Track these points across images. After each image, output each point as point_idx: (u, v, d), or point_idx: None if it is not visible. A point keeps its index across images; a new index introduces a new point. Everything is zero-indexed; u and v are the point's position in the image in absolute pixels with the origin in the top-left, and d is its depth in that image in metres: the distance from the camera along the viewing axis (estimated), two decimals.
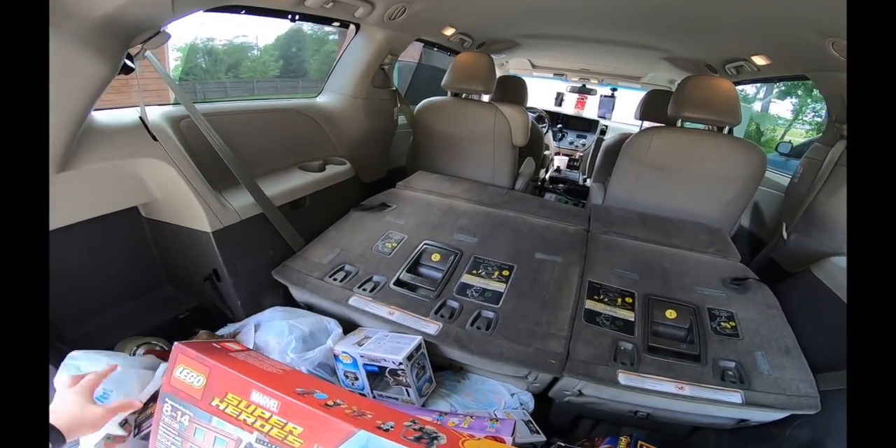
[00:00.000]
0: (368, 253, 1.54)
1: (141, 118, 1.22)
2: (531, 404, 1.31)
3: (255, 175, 1.56)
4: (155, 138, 1.25)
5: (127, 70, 1.07)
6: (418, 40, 2.57)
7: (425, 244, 1.58)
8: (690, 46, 2.44)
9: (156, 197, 1.36)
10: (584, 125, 4.70)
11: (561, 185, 3.97)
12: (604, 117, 4.71)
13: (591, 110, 4.92)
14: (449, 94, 2.45)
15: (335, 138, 2.15)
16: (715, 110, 1.91)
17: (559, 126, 4.73)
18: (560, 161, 4.67)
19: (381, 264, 1.49)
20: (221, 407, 0.77)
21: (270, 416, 0.75)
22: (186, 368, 0.81)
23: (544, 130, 4.39)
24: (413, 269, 1.50)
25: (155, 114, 1.36)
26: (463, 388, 1.32)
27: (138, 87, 1.15)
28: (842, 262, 1.51)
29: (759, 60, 2.09)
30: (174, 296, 1.56)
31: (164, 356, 1.26)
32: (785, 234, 1.79)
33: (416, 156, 2.55)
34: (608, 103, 4.59)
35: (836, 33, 1.40)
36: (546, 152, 4.03)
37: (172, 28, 1.14)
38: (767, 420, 1.17)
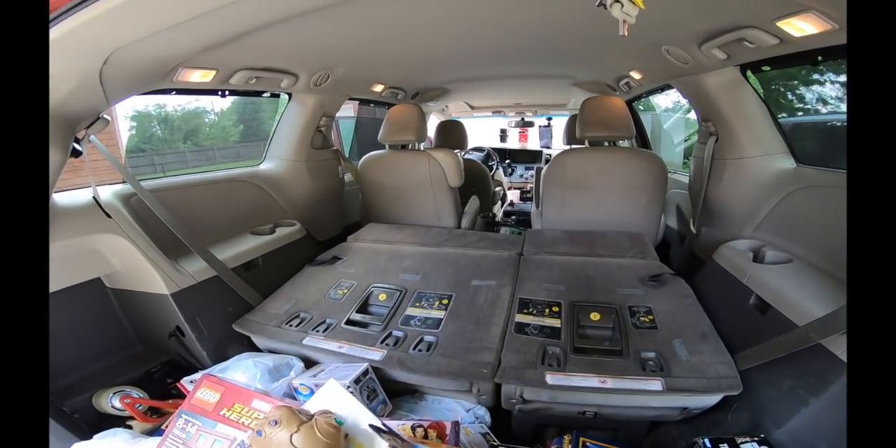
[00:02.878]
0: (322, 301, 1.67)
1: (94, 198, 1.36)
2: (487, 417, 1.39)
3: (208, 242, 1.69)
4: (109, 215, 1.38)
5: (76, 153, 1.22)
6: (352, 99, 2.76)
7: (373, 287, 1.72)
8: (585, 70, 2.69)
9: (116, 268, 1.49)
10: (531, 157, 4.90)
11: (513, 217, 4.06)
12: (547, 146, 4.92)
13: (534, 142, 5.13)
14: (387, 146, 2.61)
15: (283, 202, 2.29)
16: (610, 127, 2.13)
17: (507, 161, 4.92)
18: (513, 195, 4.80)
19: (333, 309, 1.61)
20: (228, 414, 1.04)
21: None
22: (207, 390, 1.08)
23: (494, 167, 4.57)
24: (362, 309, 1.62)
25: (107, 192, 1.51)
26: (420, 408, 1.40)
27: (88, 170, 1.30)
28: (737, 245, 1.68)
29: (636, 75, 2.33)
30: (146, 353, 1.65)
31: (137, 402, 1.39)
32: (693, 229, 1.97)
33: (366, 208, 2.69)
34: (546, 133, 4.81)
35: (664, 41, 1.58)
36: (497, 189, 4.13)
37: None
38: (703, 406, 1.22)
